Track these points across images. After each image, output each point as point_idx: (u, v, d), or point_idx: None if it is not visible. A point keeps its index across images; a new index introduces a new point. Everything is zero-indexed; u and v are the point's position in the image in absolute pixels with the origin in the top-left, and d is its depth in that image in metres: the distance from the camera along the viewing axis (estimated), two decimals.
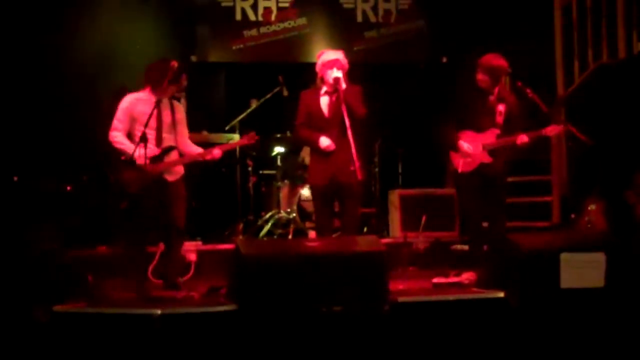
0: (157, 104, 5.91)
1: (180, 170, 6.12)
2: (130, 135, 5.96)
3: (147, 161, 5.76)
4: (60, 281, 5.12)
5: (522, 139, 6.13)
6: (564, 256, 5.12)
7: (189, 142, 6.25)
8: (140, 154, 5.74)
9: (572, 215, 7.56)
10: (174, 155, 6.06)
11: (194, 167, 8.00)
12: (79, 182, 8.27)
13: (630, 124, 7.43)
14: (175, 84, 6.12)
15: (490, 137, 6.25)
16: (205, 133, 8.04)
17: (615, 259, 5.18)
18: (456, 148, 6.25)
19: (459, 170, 6.29)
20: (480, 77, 6.23)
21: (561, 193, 8.18)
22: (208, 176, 8.48)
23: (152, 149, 5.91)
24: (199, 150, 6.21)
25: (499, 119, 6.25)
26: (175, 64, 6.04)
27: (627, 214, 6.97)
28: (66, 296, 5.05)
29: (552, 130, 6.20)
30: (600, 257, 5.17)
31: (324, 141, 6.02)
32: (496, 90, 6.26)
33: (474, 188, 6.25)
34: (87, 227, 7.80)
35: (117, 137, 5.95)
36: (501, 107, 6.26)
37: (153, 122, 5.91)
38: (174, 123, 6.08)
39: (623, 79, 7.71)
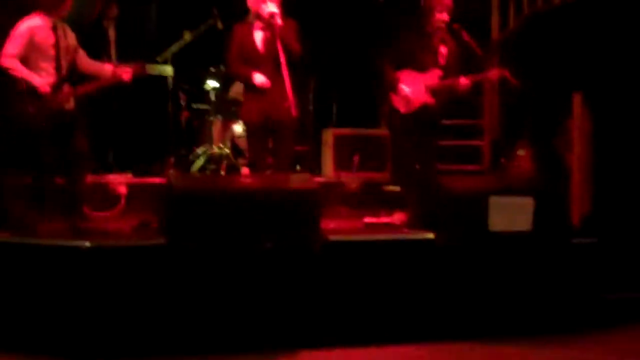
0: (55, 30, 5.74)
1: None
2: (24, 63, 5.67)
3: (50, 91, 5.63)
4: None
5: (464, 81, 6.16)
6: (493, 199, 5.19)
7: (92, 61, 6.08)
8: (41, 83, 5.60)
9: (502, 160, 7.65)
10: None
11: (124, 99, 7.90)
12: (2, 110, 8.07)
13: (561, 70, 7.50)
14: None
15: (433, 77, 6.25)
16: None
17: (543, 204, 5.27)
18: (396, 90, 6.24)
19: (402, 110, 6.28)
20: (438, 15, 6.19)
21: (492, 137, 8.26)
22: (139, 108, 8.35)
23: (52, 78, 5.75)
24: (109, 69, 6.05)
25: (441, 60, 6.27)
26: None
27: (555, 159, 7.08)
28: None
29: (494, 74, 6.25)
30: (528, 202, 5.25)
31: (259, 78, 5.95)
32: (439, 31, 6.26)
33: (410, 129, 6.27)
34: (13, 156, 7.63)
35: (12, 61, 5.64)
36: (443, 49, 6.27)
37: (51, 50, 5.74)
38: (68, 47, 5.89)
39: (556, 25, 7.76)
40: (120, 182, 6.83)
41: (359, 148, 8.33)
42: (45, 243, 4.84)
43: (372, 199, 7.44)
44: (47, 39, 5.72)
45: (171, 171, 7.74)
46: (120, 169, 7.67)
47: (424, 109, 6.27)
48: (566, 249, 5.35)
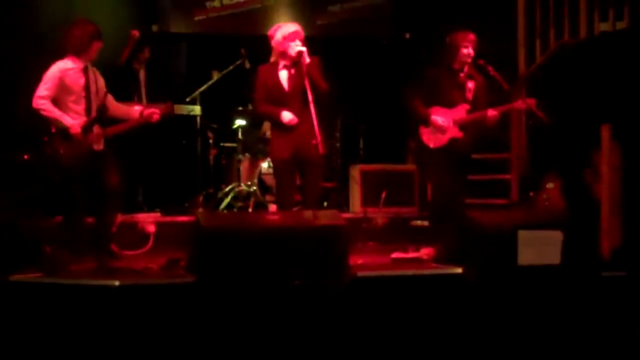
0: (85, 72, 5.84)
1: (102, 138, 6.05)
2: (55, 104, 5.78)
3: (81, 132, 5.71)
4: (17, 251, 5.07)
5: (492, 112, 6.20)
6: (521, 233, 5.17)
7: (119, 105, 6.18)
8: (72, 124, 5.69)
9: (531, 193, 7.62)
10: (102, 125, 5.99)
11: (153, 139, 7.98)
12: (36, 151, 8.17)
13: (589, 103, 7.49)
14: (98, 42, 5.95)
15: (460, 112, 6.30)
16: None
17: (572, 237, 5.24)
18: (427, 123, 6.28)
19: (431, 145, 6.32)
20: (466, 51, 6.25)
21: (520, 171, 8.23)
22: (168, 148, 8.44)
23: (82, 119, 5.84)
24: (137, 111, 6.14)
25: (469, 95, 6.31)
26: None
27: (584, 192, 7.04)
28: (22, 266, 5.01)
29: (520, 104, 6.29)
30: (557, 235, 5.23)
31: (287, 115, 5.99)
32: (466, 67, 6.31)
33: (443, 164, 6.30)
34: (46, 198, 7.72)
35: (44, 102, 5.76)
36: (470, 84, 6.33)
37: (82, 91, 5.84)
38: (98, 90, 5.99)
39: (583, 59, 7.76)
40: (149, 221, 6.88)
41: (386, 183, 8.34)
42: (76, 282, 4.89)
43: (400, 234, 7.45)
44: (77, 81, 5.83)
45: (199, 209, 7.81)
46: (149, 207, 7.74)
47: (453, 142, 6.30)
48: (596, 283, 5.31)
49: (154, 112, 6.07)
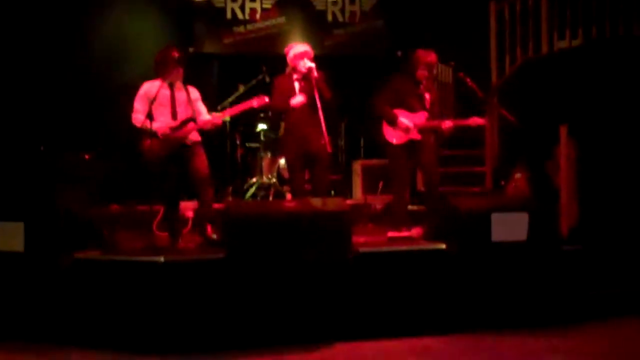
0: (170, 86, 5.85)
1: (197, 137, 6.01)
2: (149, 116, 5.72)
3: (168, 131, 5.71)
4: (81, 234, 5.09)
5: (447, 124, 6.13)
6: (494, 215, 5.14)
7: (207, 117, 6.10)
8: (158, 127, 5.70)
9: (502, 183, 7.60)
10: (190, 126, 5.93)
11: None
12: (95, 151, 8.20)
13: (550, 107, 7.47)
14: (180, 67, 5.93)
15: (421, 118, 6.22)
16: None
17: (536, 218, 5.22)
18: (394, 123, 6.19)
19: (394, 142, 6.23)
20: (420, 72, 6.18)
21: (493, 164, 8.21)
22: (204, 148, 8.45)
23: (170, 122, 5.83)
24: (206, 118, 6.07)
25: (427, 105, 6.24)
26: (175, 53, 5.93)
27: (546, 181, 7.02)
28: (85, 246, 5.02)
29: (474, 121, 6.19)
30: (523, 216, 5.20)
31: (295, 100, 5.97)
32: (424, 81, 6.24)
33: (403, 157, 6.22)
34: (104, 189, 7.75)
35: (139, 119, 5.80)
36: (427, 95, 6.25)
37: (167, 101, 5.84)
38: (189, 102, 5.98)
39: (545, 71, 7.74)
40: (188, 208, 6.88)
41: (382, 175, 8.31)
42: (128, 259, 4.90)
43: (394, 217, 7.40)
44: (163, 95, 5.83)
45: (229, 198, 7.81)
46: (188, 197, 7.73)
47: (412, 142, 6.22)
48: (557, 255, 5.29)
49: (208, 122, 5.98)
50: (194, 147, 5.94)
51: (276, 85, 6.18)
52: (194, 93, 6.08)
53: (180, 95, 5.95)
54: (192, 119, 5.91)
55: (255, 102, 5.98)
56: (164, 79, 5.87)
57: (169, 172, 5.87)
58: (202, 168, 5.88)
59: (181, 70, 5.94)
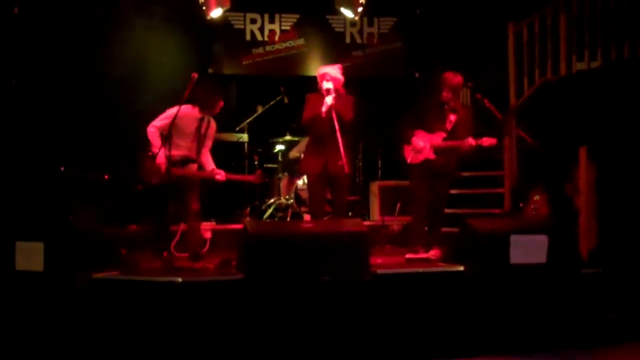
0: (201, 121, 5.93)
1: (194, 169, 6.12)
2: (163, 136, 5.82)
3: (166, 165, 5.71)
4: (99, 254, 5.12)
5: (470, 142, 6.06)
6: (513, 237, 5.13)
7: (208, 155, 6.23)
8: (161, 155, 5.74)
9: (521, 204, 7.56)
10: (192, 166, 6.05)
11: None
12: (114, 172, 8.25)
13: (569, 129, 7.44)
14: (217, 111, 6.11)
15: (437, 139, 6.22)
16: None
17: (556, 240, 5.19)
18: (409, 142, 6.23)
19: (408, 161, 6.26)
20: (445, 94, 6.20)
21: (511, 185, 8.17)
22: (221, 168, 8.47)
23: (183, 153, 5.93)
24: (211, 167, 6.19)
25: (448, 126, 6.23)
26: (222, 101, 6.08)
27: (565, 203, 6.98)
28: (103, 266, 5.05)
29: (486, 141, 6.16)
30: (543, 239, 5.18)
31: (326, 102, 5.98)
32: (451, 102, 6.24)
33: (421, 177, 6.23)
34: (121, 209, 7.79)
35: (153, 131, 5.89)
36: (452, 117, 6.23)
37: (192, 135, 5.91)
38: (205, 136, 6.07)
39: (563, 92, 7.72)
40: (205, 228, 6.91)
41: (400, 196, 8.30)
42: (146, 279, 4.92)
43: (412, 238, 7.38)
44: (190, 125, 5.92)
45: (247, 219, 7.83)
46: (206, 217, 7.76)
47: (427, 162, 6.21)
48: (576, 278, 5.25)
49: (219, 173, 6.10)
50: (189, 181, 6.03)
51: (307, 101, 6.24)
52: (213, 127, 6.21)
53: (203, 129, 6.07)
54: (195, 160, 6.03)
55: (254, 178, 6.26)
56: (200, 112, 6.00)
57: (161, 194, 5.91)
58: (193, 202, 6.01)
59: (219, 105, 6.13)
